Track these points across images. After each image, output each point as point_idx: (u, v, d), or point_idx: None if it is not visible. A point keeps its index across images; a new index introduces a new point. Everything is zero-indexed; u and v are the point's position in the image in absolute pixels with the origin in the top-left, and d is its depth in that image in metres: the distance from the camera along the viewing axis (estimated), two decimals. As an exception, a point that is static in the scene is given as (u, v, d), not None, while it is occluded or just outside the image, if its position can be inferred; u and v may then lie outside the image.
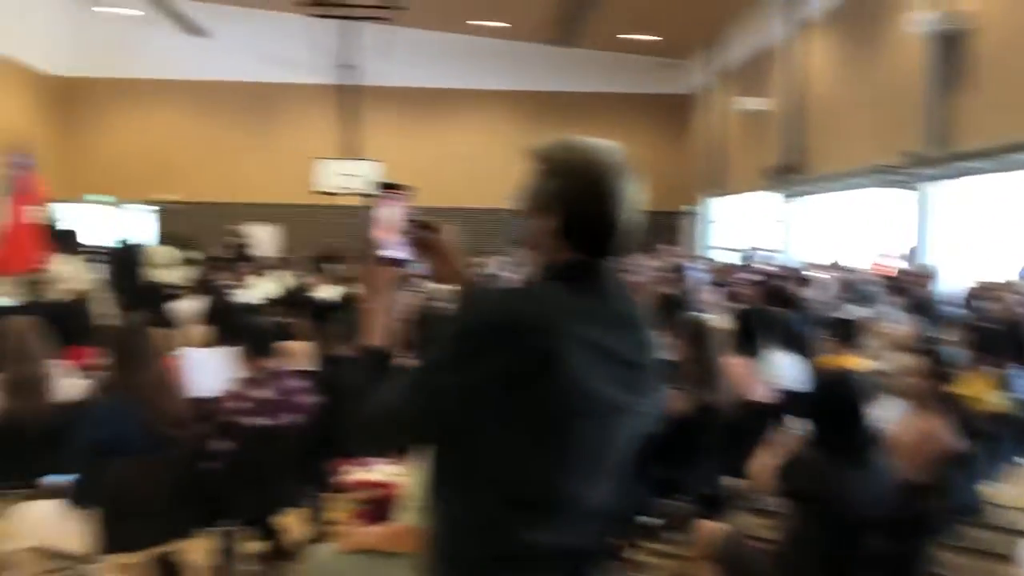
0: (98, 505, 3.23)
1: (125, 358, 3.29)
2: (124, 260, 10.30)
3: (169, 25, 19.81)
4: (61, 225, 11.47)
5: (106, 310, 7.04)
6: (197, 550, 3.94)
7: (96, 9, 19.93)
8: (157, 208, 20.43)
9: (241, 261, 11.74)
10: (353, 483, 3.22)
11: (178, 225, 18.19)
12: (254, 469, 3.63)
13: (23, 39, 18.63)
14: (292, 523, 4.16)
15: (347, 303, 5.92)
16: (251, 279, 9.09)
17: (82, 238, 12.09)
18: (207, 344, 5.42)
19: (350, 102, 20.30)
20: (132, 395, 3.23)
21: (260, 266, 11.00)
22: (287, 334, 4.81)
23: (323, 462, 3.87)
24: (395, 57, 19.62)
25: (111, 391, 3.30)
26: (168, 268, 11.11)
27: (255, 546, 4.03)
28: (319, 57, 19.42)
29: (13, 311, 5.60)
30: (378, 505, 3.08)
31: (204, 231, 17.62)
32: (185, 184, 21.07)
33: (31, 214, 7.66)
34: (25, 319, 4.16)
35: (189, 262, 12.07)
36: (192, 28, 20.14)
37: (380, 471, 3.17)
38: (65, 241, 10.08)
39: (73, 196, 17.79)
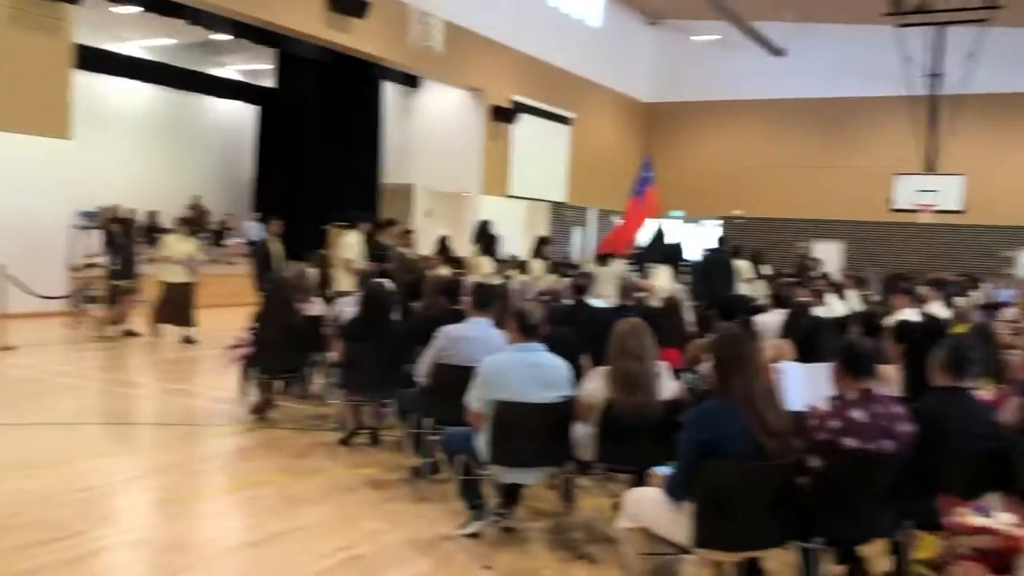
0: (696, 501, 3.42)
1: (732, 364, 3.44)
2: (711, 272, 10.84)
3: (746, 47, 20.56)
4: (666, 237, 12.61)
5: (689, 317, 7.52)
6: (779, 561, 3.99)
7: (694, 38, 21.78)
8: (723, 223, 21.40)
9: (813, 278, 11.67)
10: (965, 526, 2.95)
11: (743, 240, 18.88)
12: (844, 491, 3.53)
13: (627, 74, 21.62)
14: (877, 553, 3.97)
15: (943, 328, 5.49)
16: (825, 296, 8.95)
17: (680, 250, 13.08)
18: (788, 358, 5.46)
19: (933, 113, 18.88)
20: (737, 400, 3.37)
21: (830, 284, 10.77)
22: (878, 356, 4.60)
23: (918, 496, 3.62)
24: (982, 62, 17.78)
25: (717, 394, 3.47)
26: (747, 282, 11.48)
27: (836, 569, 3.93)
28: (902, 68, 18.40)
29: (618, 312, 6.27)
30: (997, 556, 2.77)
31: (767, 246, 17.95)
32: (750, 200, 21.68)
33: (641, 218, 9.62)
34: (636, 320, 4.60)
35: (762, 277, 12.35)
36: (771, 48, 20.61)
37: (1001, 519, 2.86)
38: (664, 251, 11.31)
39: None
